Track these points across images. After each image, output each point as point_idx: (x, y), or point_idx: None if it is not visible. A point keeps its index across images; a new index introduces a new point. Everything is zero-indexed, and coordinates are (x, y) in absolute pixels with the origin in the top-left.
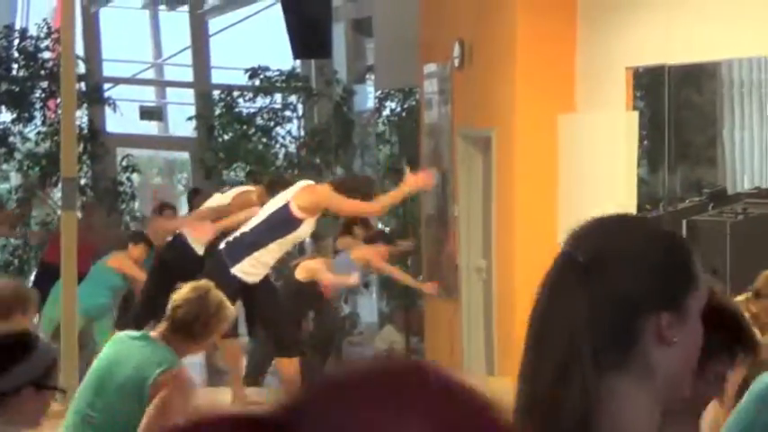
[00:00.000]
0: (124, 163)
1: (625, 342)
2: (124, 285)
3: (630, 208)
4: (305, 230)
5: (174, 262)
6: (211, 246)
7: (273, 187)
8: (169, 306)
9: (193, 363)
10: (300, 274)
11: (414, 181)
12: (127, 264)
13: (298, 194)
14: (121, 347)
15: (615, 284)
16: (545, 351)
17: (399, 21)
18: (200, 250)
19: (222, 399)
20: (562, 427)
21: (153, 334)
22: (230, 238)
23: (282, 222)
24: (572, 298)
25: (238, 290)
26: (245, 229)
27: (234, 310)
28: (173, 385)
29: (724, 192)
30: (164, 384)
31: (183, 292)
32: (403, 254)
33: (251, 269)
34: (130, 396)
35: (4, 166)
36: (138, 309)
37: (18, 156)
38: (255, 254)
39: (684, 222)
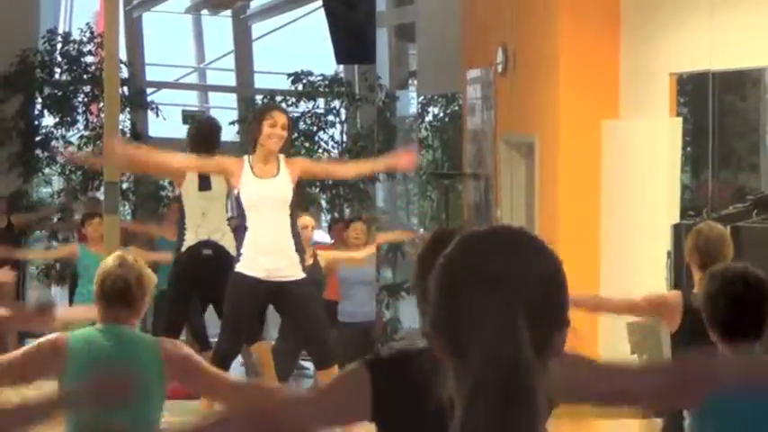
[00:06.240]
0: None
1: None
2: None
3: (674, 214)
4: None
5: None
6: None
7: None
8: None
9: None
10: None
11: (395, 162)
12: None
13: None
14: None
15: None
16: None
17: (442, 26)
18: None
19: None
20: None
21: None
22: None
23: None
24: None
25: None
26: None
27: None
28: None
29: (767, 198)
30: None
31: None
32: None
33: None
34: None
35: (47, 170)
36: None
37: (60, 159)
38: None
39: (728, 228)
